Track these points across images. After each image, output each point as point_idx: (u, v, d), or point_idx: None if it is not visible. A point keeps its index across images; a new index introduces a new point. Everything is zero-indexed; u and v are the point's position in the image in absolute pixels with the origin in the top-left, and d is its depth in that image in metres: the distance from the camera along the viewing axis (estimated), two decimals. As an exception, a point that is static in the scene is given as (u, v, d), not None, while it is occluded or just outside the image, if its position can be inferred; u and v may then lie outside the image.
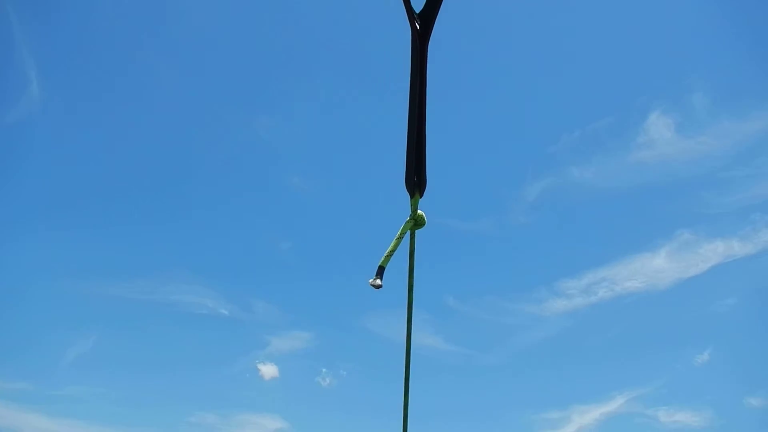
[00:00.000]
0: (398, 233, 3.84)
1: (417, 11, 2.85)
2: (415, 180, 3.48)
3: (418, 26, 2.79)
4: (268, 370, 28.62)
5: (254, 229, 33.61)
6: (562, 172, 30.97)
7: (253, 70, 34.18)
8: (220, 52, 32.66)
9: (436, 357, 29.31)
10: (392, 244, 3.79)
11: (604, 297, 27.56)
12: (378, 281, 3.87)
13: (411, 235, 3.85)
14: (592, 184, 30.62)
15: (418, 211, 3.76)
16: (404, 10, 2.75)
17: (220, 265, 33.08)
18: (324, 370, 28.97)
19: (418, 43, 2.83)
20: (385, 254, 3.80)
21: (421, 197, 3.61)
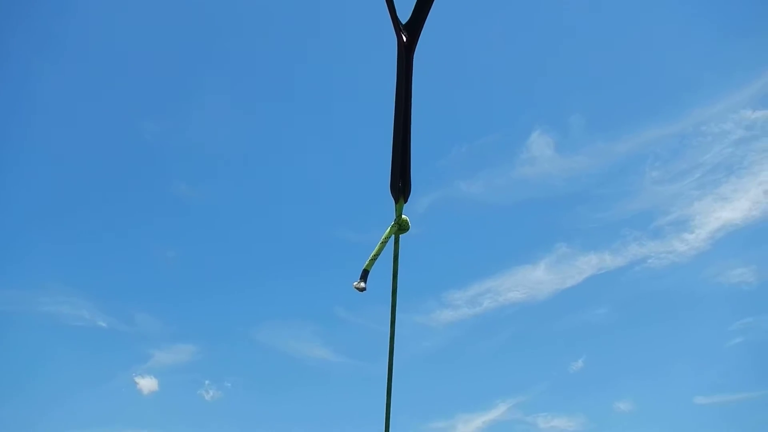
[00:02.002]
0: (383, 237, 3.92)
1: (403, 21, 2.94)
2: (400, 186, 3.57)
3: (404, 37, 2.88)
4: (147, 384, 27.11)
5: (137, 237, 31.88)
6: (451, 185, 31.79)
7: (140, 72, 32.67)
8: (106, 52, 31.19)
9: (325, 368, 29.44)
10: (377, 247, 3.87)
11: (489, 307, 28.45)
12: (362, 284, 3.94)
13: (395, 239, 3.94)
14: (479, 198, 31.56)
15: (403, 216, 3.85)
16: (390, 21, 2.83)
17: (99, 274, 31.16)
18: (207, 382, 28.02)
19: (404, 54, 2.93)
20: (369, 258, 3.87)
21: (405, 203, 3.70)
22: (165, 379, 27.74)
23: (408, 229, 3.94)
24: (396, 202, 3.71)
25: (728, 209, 26.99)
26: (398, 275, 4.22)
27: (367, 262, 3.89)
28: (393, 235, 3.96)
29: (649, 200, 29.39)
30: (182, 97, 32.83)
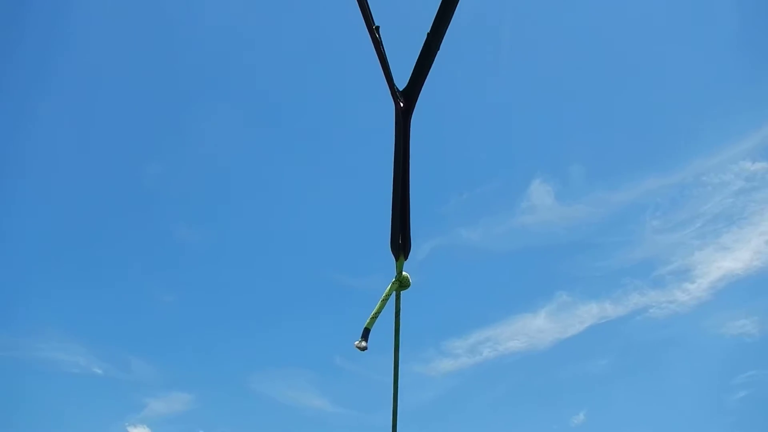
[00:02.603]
0: (383, 295, 3.94)
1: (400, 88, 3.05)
2: (400, 244, 3.61)
3: (401, 103, 2.98)
4: None
5: (135, 280, 31.23)
6: (451, 232, 32.03)
7: (140, 114, 32.45)
8: (105, 93, 30.92)
9: (322, 418, 28.84)
10: (378, 305, 3.88)
11: (489, 356, 28.16)
12: (363, 343, 3.93)
13: (396, 296, 3.96)
14: (479, 245, 31.59)
15: (403, 273, 3.88)
16: (387, 88, 2.95)
17: (96, 318, 30.42)
18: (201, 431, 27.28)
19: (401, 119, 3.02)
20: (370, 316, 3.88)
21: (405, 260, 3.74)
22: (158, 428, 27.15)
23: (409, 286, 3.96)
24: (396, 260, 3.75)
25: (729, 259, 27.08)
26: (400, 331, 4.22)
27: (368, 321, 3.89)
28: (394, 293, 3.97)
29: (650, 249, 29.52)
30: (182, 138, 33.25)
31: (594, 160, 33.09)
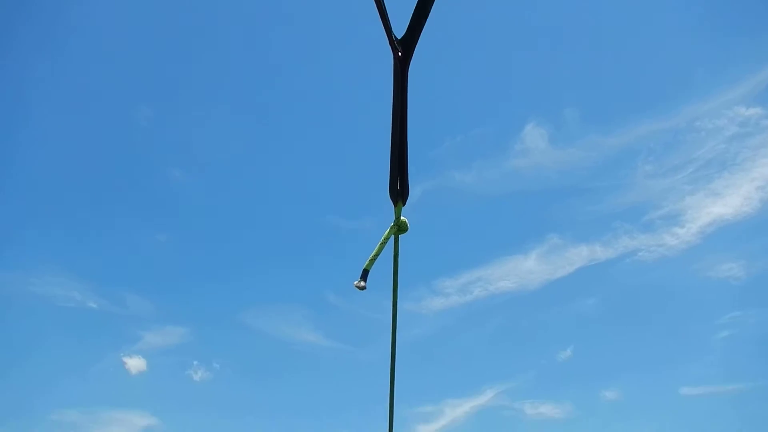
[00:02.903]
0: (382, 238, 4.14)
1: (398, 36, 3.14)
2: (399, 189, 3.78)
3: (399, 52, 3.09)
4: (135, 364, 27.04)
5: (130, 221, 31.72)
6: (444, 175, 32.10)
7: (136, 58, 32.24)
8: (103, 38, 30.80)
9: (315, 352, 29.76)
10: (376, 248, 4.09)
11: (479, 296, 28.77)
12: (362, 283, 4.17)
13: (395, 240, 4.16)
14: (472, 188, 31.75)
15: (402, 218, 4.07)
16: (386, 37, 3.04)
17: (92, 256, 31.13)
18: (195, 363, 27.97)
19: (399, 67, 3.13)
20: (369, 258, 4.10)
21: (404, 205, 3.92)
22: (154, 359, 27.71)
23: (407, 230, 4.16)
24: (395, 205, 3.92)
25: (720, 204, 27.31)
26: (398, 272, 4.44)
27: (367, 262, 4.11)
28: (393, 236, 4.18)
29: (642, 194, 29.63)
30: (178, 83, 32.86)
31: (589, 104, 32.80)
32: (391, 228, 4.09)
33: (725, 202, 26.85)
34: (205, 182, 33.01)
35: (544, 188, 32.00)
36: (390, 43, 3.09)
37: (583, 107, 31.93)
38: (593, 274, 29.24)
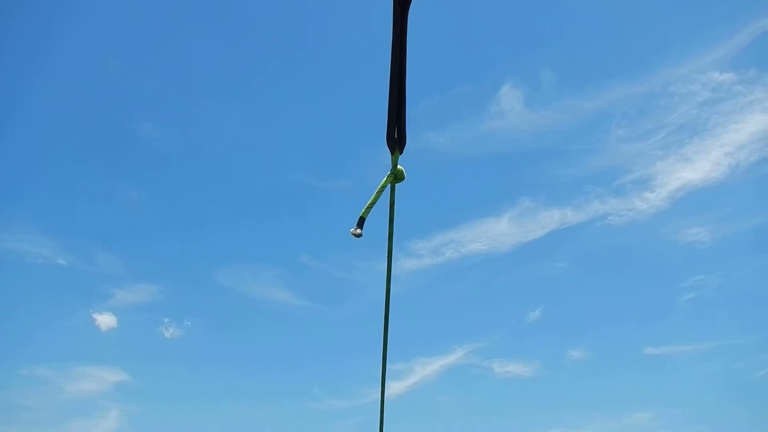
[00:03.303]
0: (378, 187, 4.10)
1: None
2: (396, 138, 3.71)
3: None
4: (105, 321, 27.56)
5: (100, 176, 31.36)
6: (419, 136, 32.15)
7: (106, 7, 31.44)
8: None
9: (287, 311, 30.36)
10: (372, 196, 4.05)
11: (451, 258, 29.19)
12: (358, 230, 4.15)
13: (391, 188, 4.12)
14: (447, 149, 31.68)
15: (398, 167, 4.01)
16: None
17: (61, 212, 30.90)
18: (166, 319, 28.32)
19: (398, 11, 3.01)
20: (365, 206, 4.07)
21: (401, 153, 3.86)
22: (124, 316, 28.38)
23: (403, 179, 4.11)
24: (392, 153, 3.86)
25: (689, 170, 27.49)
26: (393, 221, 4.43)
27: (363, 210, 4.08)
28: (389, 185, 4.13)
29: (614, 158, 29.69)
30: (151, 34, 31.92)
31: (565, 66, 32.47)
32: (388, 176, 4.04)
33: (695, 168, 27.11)
34: (178, 137, 32.55)
35: (518, 151, 32.10)
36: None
37: (560, 69, 31.74)
38: (564, 237, 29.79)
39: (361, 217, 4.15)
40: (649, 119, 28.80)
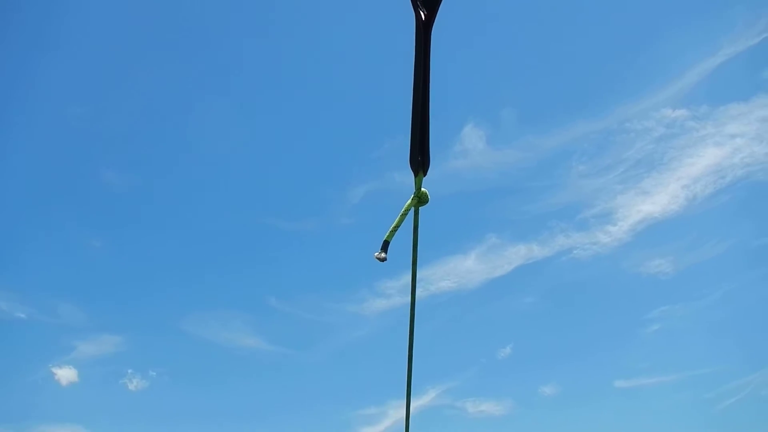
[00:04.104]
0: (402, 210, 4.05)
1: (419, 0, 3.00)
2: (420, 160, 3.67)
3: (423, 14, 2.94)
4: (66, 375, 25.64)
5: (62, 225, 29.80)
6: (384, 176, 31.92)
7: (66, 56, 30.65)
8: (33, 35, 28.69)
9: (256, 357, 29.61)
10: (397, 220, 4.00)
11: (420, 296, 28.19)
12: (383, 254, 4.10)
13: (415, 212, 4.07)
14: (411, 189, 30.70)
15: (422, 189, 3.96)
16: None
17: (20, 262, 29.29)
18: (130, 371, 26.40)
19: (422, 30, 2.99)
20: (390, 229, 4.01)
21: (425, 176, 3.82)
22: (86, 370, 26.64)
23: (427, 201, 4.06)
24: (415, 176, 3.82)
25: (649, 203, 27.67)
26: (417, 245, 4.37)
27: (387, 234, 4.04)
28: (413, 208, 4.08)
29: (576, 193, 29.86)
30: (110, 81, 31.98)
31: (525, 104, 32.96)
32: (412, 199, 3.99)
33: (654, 201, 27.40)
34: (140, 184, 32.26)
35: (482, 189, 32.35)
36: (412, 4, 2.95)
37: (520, 107, 32.26)
38: (531, 273, 29.65)
39: (385, 240, 4.10)
40: (607, 155, 29.52)
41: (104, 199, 31.91)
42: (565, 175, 30.75)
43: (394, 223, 3.99)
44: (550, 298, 30.53)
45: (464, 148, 30.48)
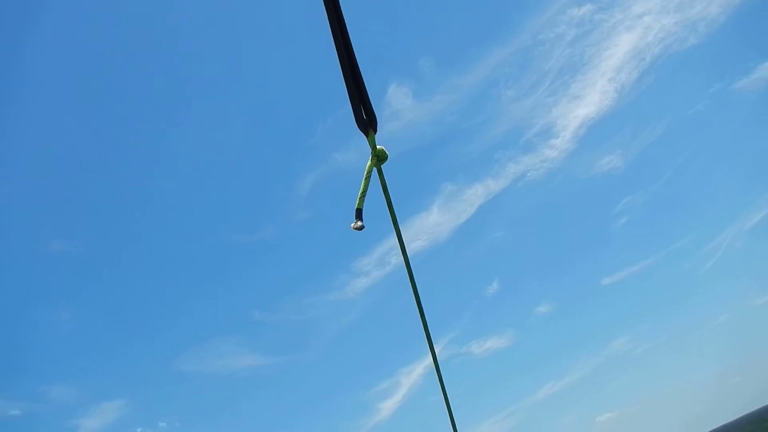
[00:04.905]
0: (365, 173, 3.89)
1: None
2: (365, 119, 3.50)
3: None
4: None
5: (24, 307, 29.18)
6: (326, 159, 31.77)
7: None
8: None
9: (258, 374, 30.00)
10: (362, 184, 3.85)
11: (397, 263, 29.12)
12: (359, 223, 3.96)
13: (378, 171, 3.91)
14: (355, 164, 31.06)
15: (378, 147, 3.80)
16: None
17: None
18: (139, 430, 26.50)
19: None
20: (358, 196, 3.87)
21: (375, 132, 3.65)
22: None
23: (387, 158, 3.90)
24: (366, 135, 3.67)
25: (582, 106, 27.93)
26: (392, 203, 4.24)
27: (357, 201, 3.89)
28: (375, 168, 3.93)
29: (512, 119, 30.11)
30: (44, 148, 30.69)
31: (440, 49, 32.53)
32: (371, 160, 3.84)
33: (587, 103, 27.79)
34: (91, 247, 31.59)
35: (423, 144, 32.49)
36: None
37: (436, 53, 31.88)
38: (494, 207, 30.01)
39: (357, 208, 3.97)
40: (530, 73, 29.69)
41: (60, 270, 31.18)
42: (497, 105, 30.80)
43: (361, 188, 3.85)
44: (518, 226, 31.05)
45: (394, 109, 30.34)
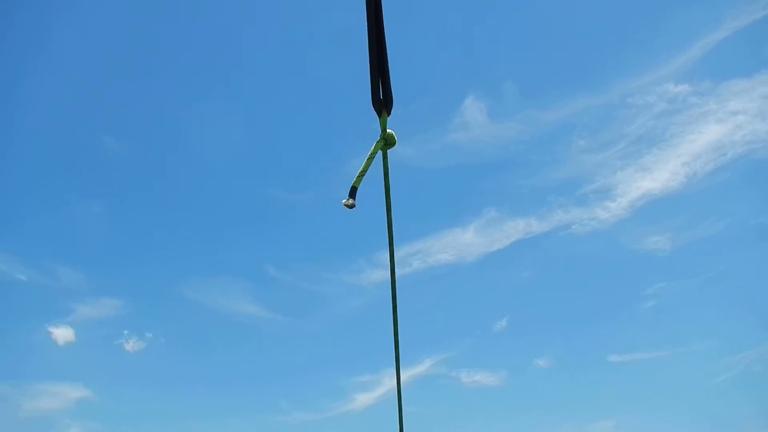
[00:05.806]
0: (369, 153, 3.81)
1: None
2: (382, 99, 3.41)
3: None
4: (62, 334, 25.78)
5: (63, 190, 29.65)
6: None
7: (66, 20, 29.90)
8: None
9: (255, 324, 29.99)
10: (363, 164, 3.76)
11: (418, 268, 28.90)
12: (350, 201, 3.89)
13: (383, 154, 3.83)
14: (412, 162, 31.03)
15: (388, 130, 3.71)
16: None
17: (20, 226, 29.69)
18: (126, 331, 26.72)
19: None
20: (357, 174, 3.79)
21: (389, 115, 3.56)
22: (83, 331, 26.91)
23: (395, 143, 3.81)
24: (379, 116, 3.57)
25: (648, 179, 27.35)
26: (390, 191, 4.17)
27: (354, 179, 3.80)
28: (380, 151, 3.85)
29: (576, 168, 29.51)
30: (109, 47, 31.13)
31: (527, 78, 32.22)
32: (378, 142, 3.74)
33: (654, 177, 27.20)
34: (140, 151, 31.88)
35: (482, 162, 32.01)
36: None
37: (522, 81, 31.66)
38: (529, 247, 29.66)
39: (352, 186, 3.88)
40: (608, 130, 29.14)
41: (104, 166, 31.82)
42: (566, 150, 30.53)
43: (361, 167, 3.76)
44: (547, 273, 30.81)
45: (465, 120, 30.07)
